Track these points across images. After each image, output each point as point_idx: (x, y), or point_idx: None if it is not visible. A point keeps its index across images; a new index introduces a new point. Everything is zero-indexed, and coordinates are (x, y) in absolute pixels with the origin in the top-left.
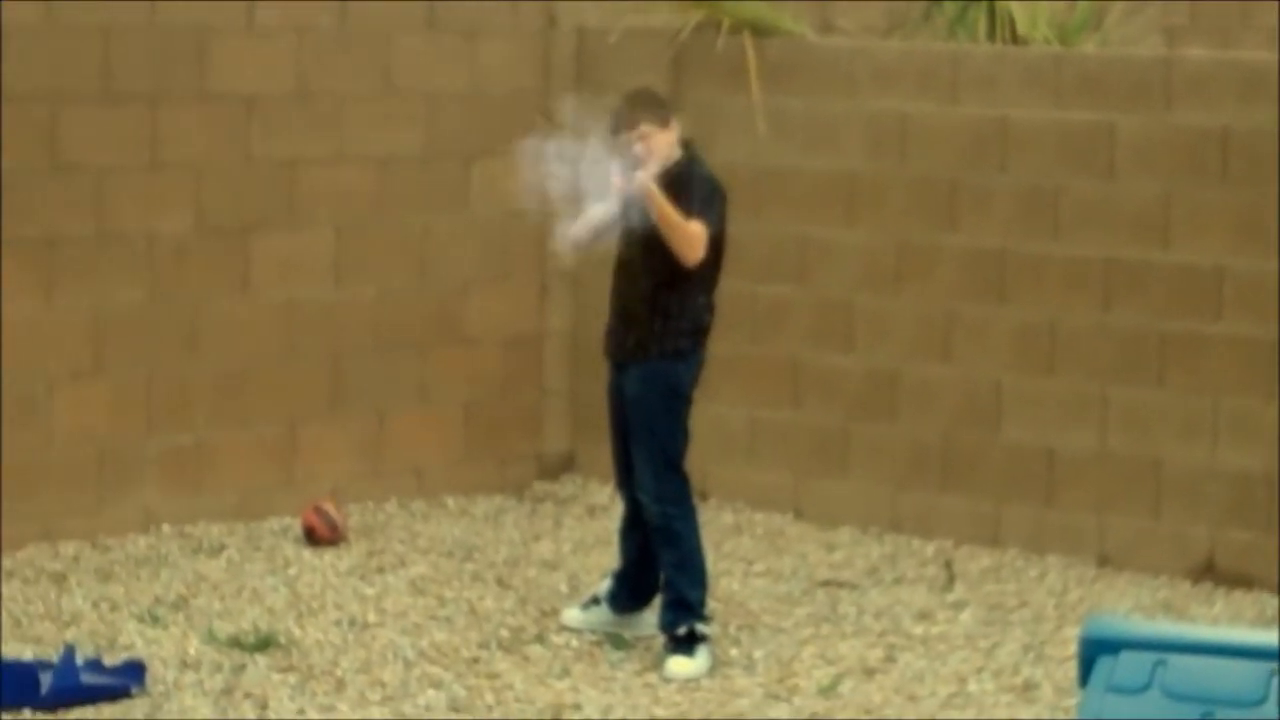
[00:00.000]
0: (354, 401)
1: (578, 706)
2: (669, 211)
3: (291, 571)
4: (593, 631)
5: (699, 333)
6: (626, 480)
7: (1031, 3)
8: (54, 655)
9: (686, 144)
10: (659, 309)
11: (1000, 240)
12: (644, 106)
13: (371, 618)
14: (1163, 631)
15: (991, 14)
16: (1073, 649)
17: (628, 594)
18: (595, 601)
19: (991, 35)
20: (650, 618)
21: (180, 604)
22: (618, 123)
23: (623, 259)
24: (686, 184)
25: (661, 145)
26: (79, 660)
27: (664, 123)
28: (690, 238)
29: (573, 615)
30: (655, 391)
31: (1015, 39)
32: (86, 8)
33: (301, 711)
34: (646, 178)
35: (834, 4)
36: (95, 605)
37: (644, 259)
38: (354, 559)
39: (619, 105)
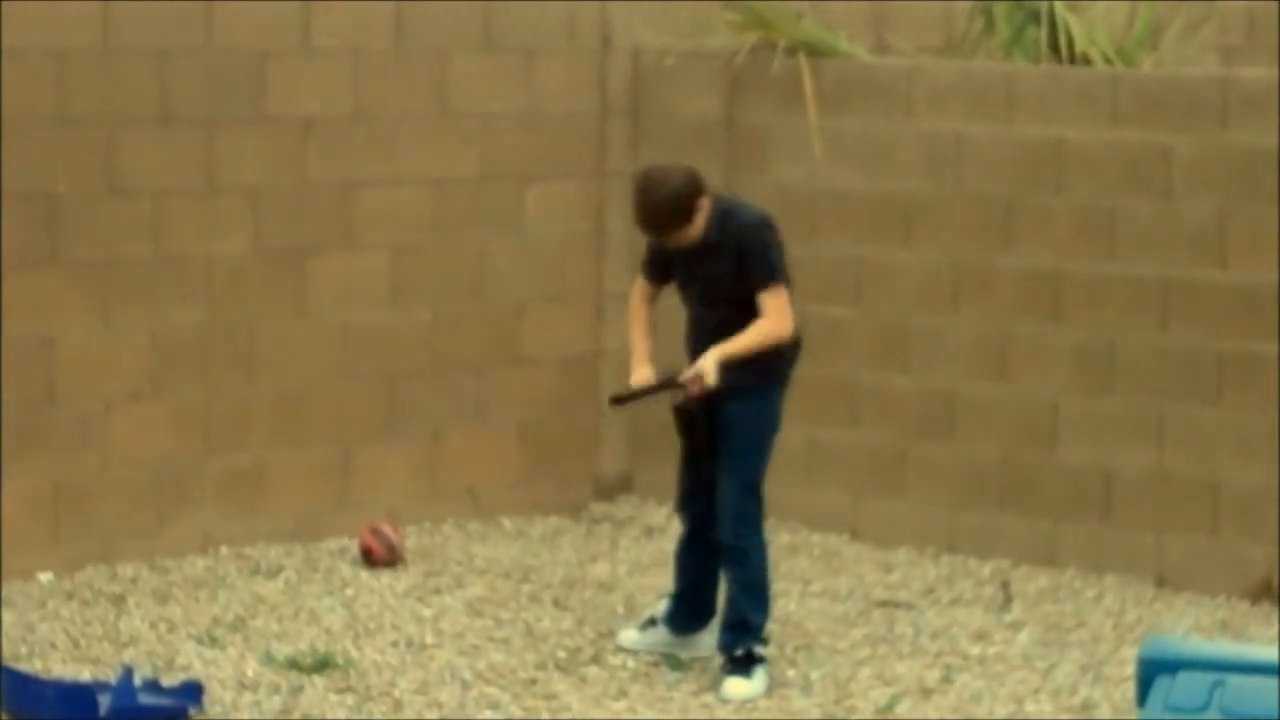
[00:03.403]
0: (410, 423)
1: None
2: (744, 350)
3: (349, 593)
4: (649, 653)
5: (795, 345)
6: (689, 501)
7: (1089, 18)
8: (112, 676)
9: (715, 198)
10: None
11: (1057, 261)
12: (667, 217)
13: (429, 639)
14: (1221, 652)
15: (1051, 33)
16: (1131, 669)
17: (686, 615)
18: (652, 623)
19: (1053, 53)
20: (707, 639)
21: (238, 625)
22: (653, 233)
23: (699, 298)
24: (740, 243)
25: (698, 230)
26: (137, 681)
27: (690, 217)
28: (771, 333)
29: (630, 636)
30: (757, 417)
31: (1073, 58)
32: (144, 31)
33: None
34: (706, 385)
35: (889, 24)
36: (153, 626)
37: (726, 291)
38: (411, 580)
39: (644, 216)
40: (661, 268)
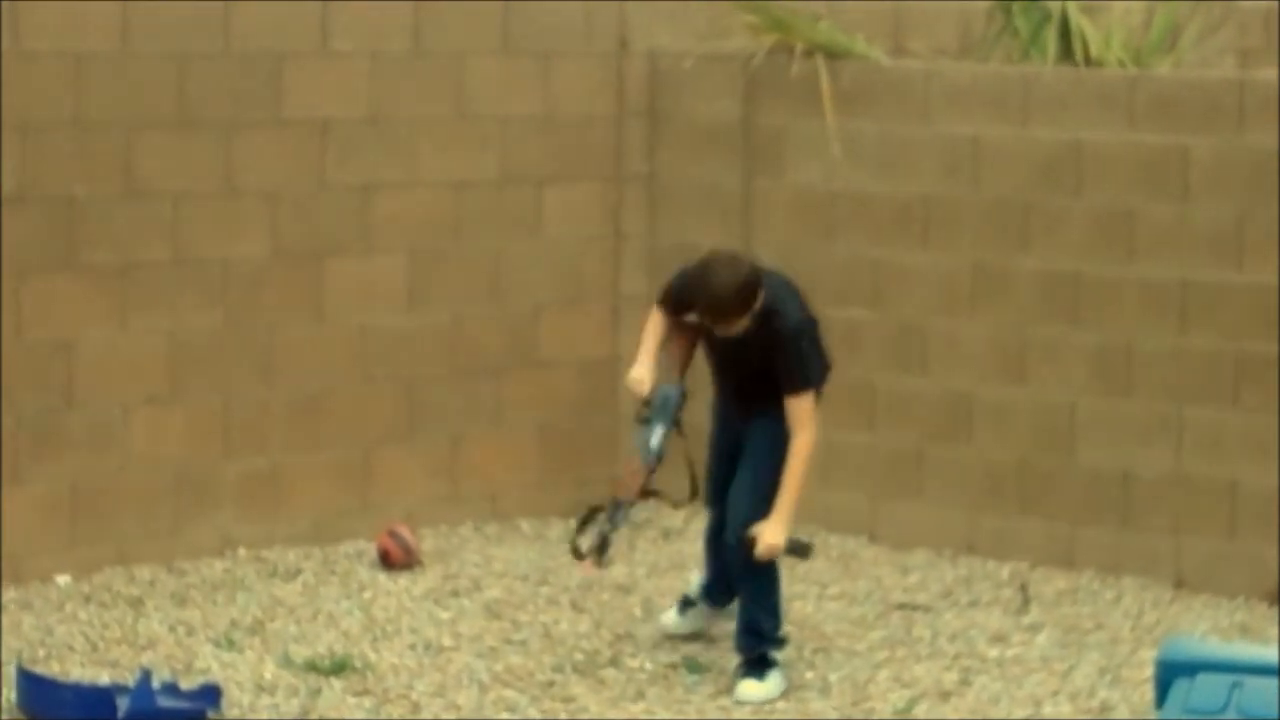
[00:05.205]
0: (428, 426)
1: None
2: (795, 494)
3: (366, 595)
4: (693, 635)
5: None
6: (721, 495)
7: (1106, 21)
8: (130, 679)
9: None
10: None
11: (1074, 263)
12: (736, 307)
13: (446, 641)
14: (1239, 653)
15: (1065, 36)
16: (1149, 671)
17: (723, 589)
18: (689, 603)
19: (1066, 57)
20: None
21: (256, 628)
22: (712, 319)
23: (724, 367)
24: (777, 345)
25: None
26: (155, 684)
27: (751, 307)
28: (804, 453)
29: (671, 620)
30: (782, 432)
31: (1089, 61)
32: (161, 35)
33: None
34: (770, 549)
35: (907, 27)
36: (171, 629)
37: (752, 368)
38: (429, 583)
39: (709, 304)
40: (681, 315)
